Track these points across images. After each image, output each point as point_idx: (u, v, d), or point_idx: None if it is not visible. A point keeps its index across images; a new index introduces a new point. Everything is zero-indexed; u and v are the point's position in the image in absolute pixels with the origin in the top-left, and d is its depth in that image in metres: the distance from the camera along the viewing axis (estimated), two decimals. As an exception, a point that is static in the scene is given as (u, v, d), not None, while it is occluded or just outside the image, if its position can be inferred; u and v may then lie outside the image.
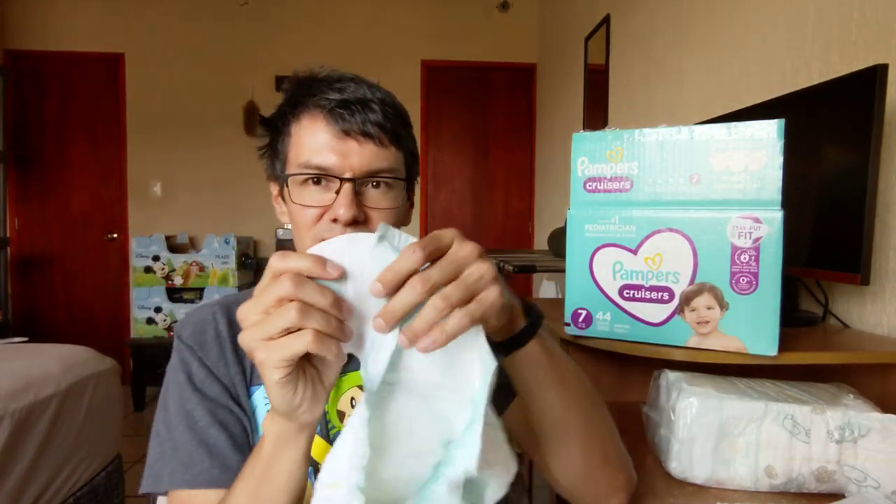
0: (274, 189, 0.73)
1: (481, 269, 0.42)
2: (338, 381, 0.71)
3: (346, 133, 0.63)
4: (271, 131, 0.71)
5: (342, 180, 0.63)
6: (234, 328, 0.69)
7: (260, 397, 0.68)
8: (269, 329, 0.39)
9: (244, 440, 0.65)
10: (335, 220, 0.63)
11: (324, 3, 4.12)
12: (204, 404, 0.64)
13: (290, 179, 0.66)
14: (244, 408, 0.67)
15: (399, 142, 0.68)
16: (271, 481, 0.48)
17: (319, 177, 0.64)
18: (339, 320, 0.41)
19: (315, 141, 0.64)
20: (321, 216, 0.64)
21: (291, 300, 0.39)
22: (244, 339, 0.40)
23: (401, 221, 0.70)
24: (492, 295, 0.42)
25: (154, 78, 4.01)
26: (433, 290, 0.40)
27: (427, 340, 0.39)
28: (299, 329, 0.40)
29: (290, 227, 0.69)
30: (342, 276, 0.41)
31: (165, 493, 0.63)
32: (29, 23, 3.93)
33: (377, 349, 0.42)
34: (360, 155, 0.64)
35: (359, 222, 0.63)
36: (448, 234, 0.43)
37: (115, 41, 3.98)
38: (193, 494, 0.61)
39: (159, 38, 4.01)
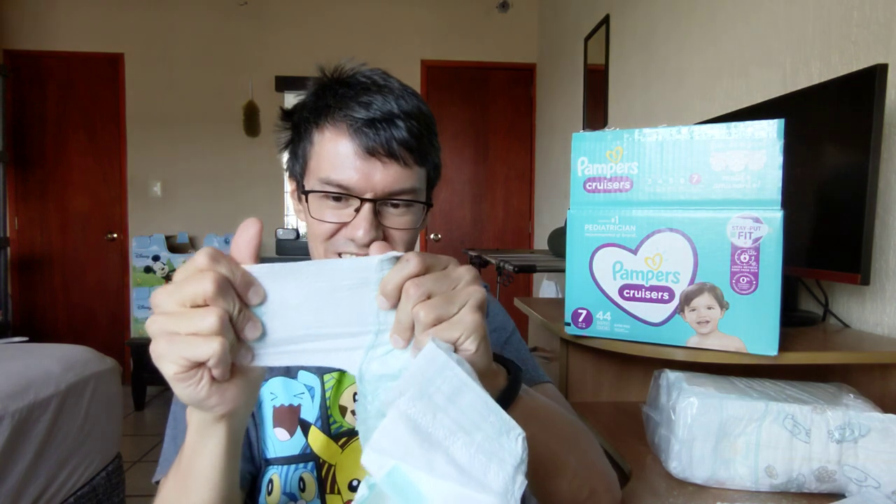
0: (291, 184, 0.73)
1: (470, 291, 0.41)
2: (340, 376, 0.71)
3: (371, 152, 0.62)
4: (292, 128, 0.70)
5: (363, 200, 0.63)
6: None
7: (266, 392, 0.69)
8: (179, 325, 0.37)
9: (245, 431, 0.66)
10: (352, 240, 0.63)
11: (324, 3, 4.11)
12: None
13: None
14: None
15: (424, 159, 0.66)
16: (194, 473, 0.47)
17: (340, 195, 0.64)
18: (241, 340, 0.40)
19: (337, 156, 0.63)
20: (338, 230, 0.65)
21: (208, 304, 0.37)
22: (151, 325, 0.38)
23: (416, 238, 0.70)
24: (474, 319, 0.41)
25: (154, 78, 4.01)
26: (429, 296, 0.40)
27: (396, 339, 0.41)
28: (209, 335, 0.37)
29: (298, 225, 0.69)
30: (262, 302, 0.40)
31: None
32: (29, 23, 3.93)
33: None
34: (384, 175, 0.63)
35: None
36: (445, 257, 0.43)
37: (115, 41, 3.97)
38: None
39: (159, 38, 4.01)
